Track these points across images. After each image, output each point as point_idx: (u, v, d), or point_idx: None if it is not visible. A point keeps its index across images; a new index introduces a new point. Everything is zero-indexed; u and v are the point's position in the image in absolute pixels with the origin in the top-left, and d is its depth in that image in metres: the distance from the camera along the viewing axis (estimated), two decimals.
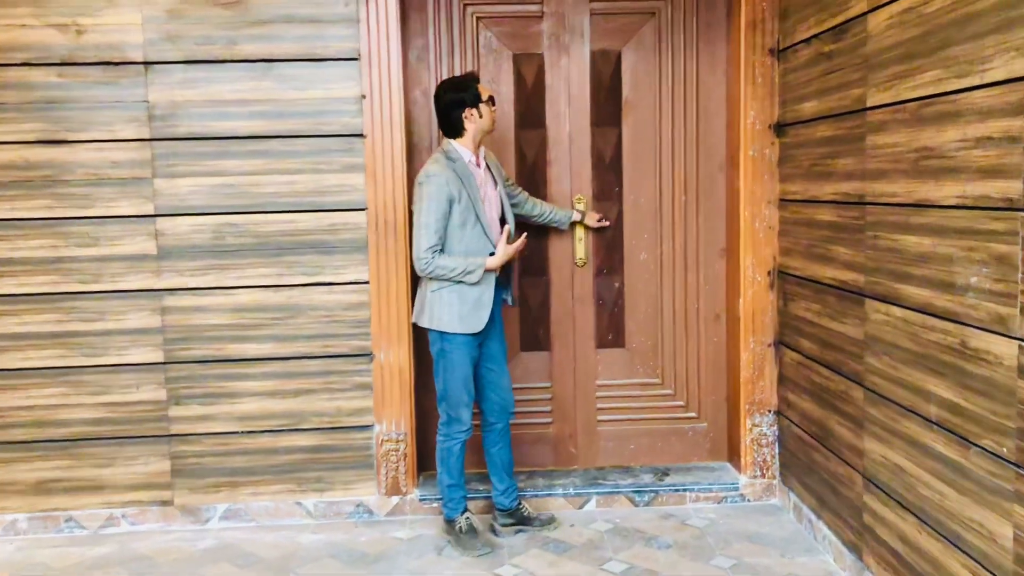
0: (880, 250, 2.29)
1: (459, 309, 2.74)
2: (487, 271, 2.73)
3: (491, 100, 2.81)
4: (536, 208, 3.07)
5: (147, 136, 2.93)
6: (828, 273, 2.64)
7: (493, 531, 2.95)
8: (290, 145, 2.98)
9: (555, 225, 3.14)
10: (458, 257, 2.71)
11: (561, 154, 3.23)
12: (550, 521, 2.98)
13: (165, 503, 3.06)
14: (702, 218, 3.33)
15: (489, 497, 3.03)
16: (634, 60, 3.25)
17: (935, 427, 2.04)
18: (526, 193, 3.09)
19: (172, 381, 3.02)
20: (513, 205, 2.96)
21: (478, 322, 2.76)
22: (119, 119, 2.92)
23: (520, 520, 2.96)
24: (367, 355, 3.06)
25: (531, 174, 3.24)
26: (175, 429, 3.04)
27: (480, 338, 2.82)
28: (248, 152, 2.97)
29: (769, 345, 3.14)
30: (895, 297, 2.22)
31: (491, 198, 2.83)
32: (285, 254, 3.01)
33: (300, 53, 2.95)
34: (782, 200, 3.05)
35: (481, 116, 2.76)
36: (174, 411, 3.03)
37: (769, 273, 3.11)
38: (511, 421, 2.95)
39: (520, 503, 2.99)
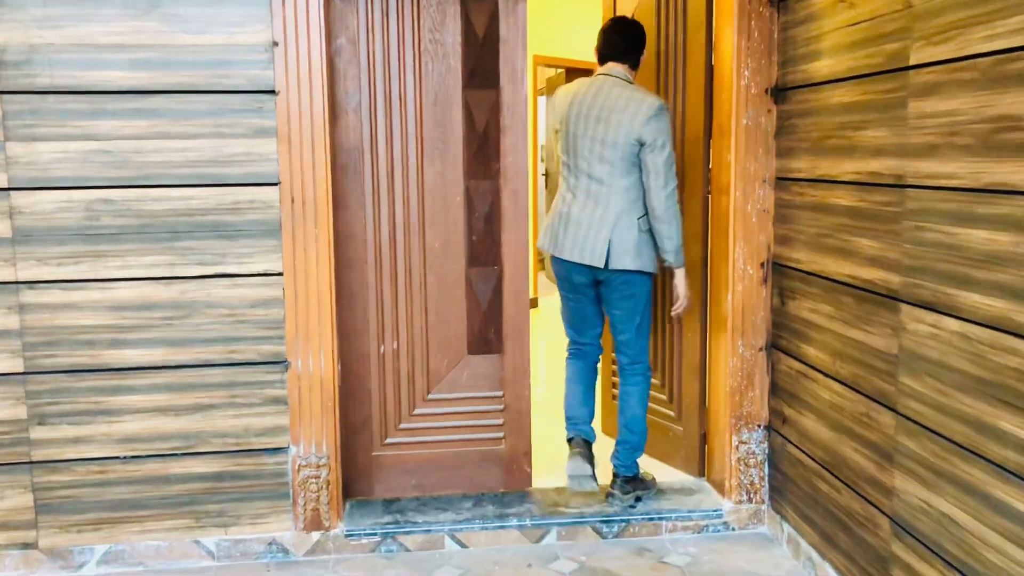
0: (926, 245, 1.82)
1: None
2: None
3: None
4: None
5: None
6: (845, 269, 2.17)
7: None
8: (183, 103, 2.39)
9: None
10: None
11: (517, 121, 2.70)
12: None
13: (27, 546, 2.47)
14: (684, 195, 2.84)
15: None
16: None
17: (1010, 476, 1.59)
18: None
19: (34, 396, 2.42)
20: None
21: None
22: None
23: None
24: (280, 362, 2.50)
25: (481, 144, 2.70)
26: (39, 455, 2.44)
27: None
28: (129, 111, 2.37)
29: (760, 349, 2.68)
30: (948, 306, 1.75)
31: None
32: (178, 238, 2.43)
33: None
34: (780, 179, 2.57)
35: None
36: (37, 433, 2.43)
37: (762, 265, 2.64)
38: None
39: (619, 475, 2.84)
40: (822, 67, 2.27)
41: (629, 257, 2.62)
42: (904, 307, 1.92)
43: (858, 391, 2.13)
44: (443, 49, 2.64)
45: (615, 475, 2.81)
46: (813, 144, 2.34)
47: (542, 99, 8.59)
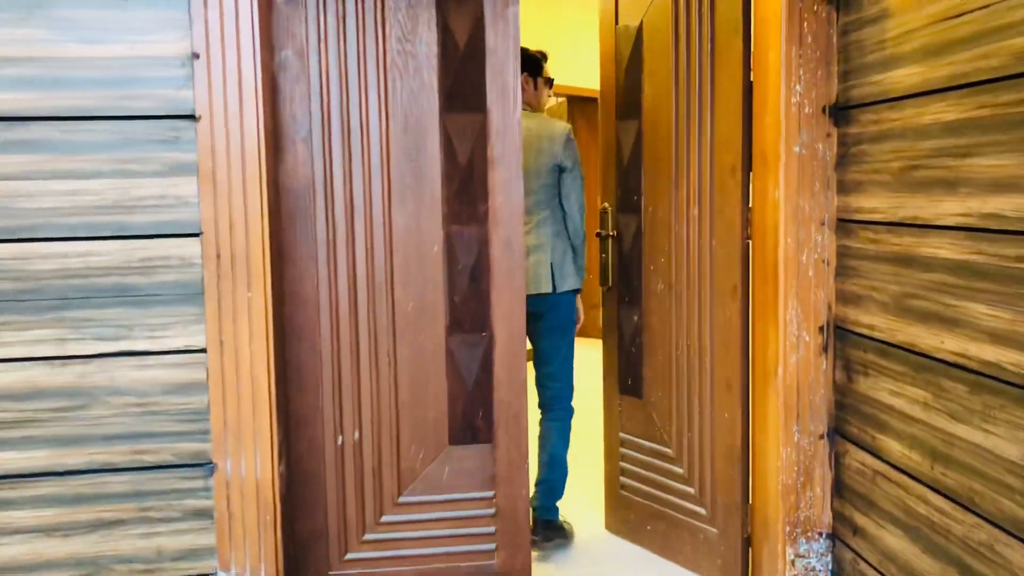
0: None
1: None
2: None
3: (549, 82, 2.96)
4: None
5: None
6: (950, 344, 1.62)
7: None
8: (75, 132, 1.85)
9: None
10: None
11: (509, 150, 2.15)
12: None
13: None
14: (714, 241, 2.30)
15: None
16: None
17: None
18: None
19: None
20: None
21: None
22: None
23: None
24: (204, 464, 1.94)
25: (464, 180, 2.15)
26: None
27: None
28: (4, 143, 1.83)
29: (821, 437, 2.11)
30: None
31: None
32: (70, 307, 1.88)
33: None
34: (843, 221, 2.02)
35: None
36: None
37: (821, 330, 2.08)
38: None
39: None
40: (905, 76, 1.73)
41: (569, 280, 2.81)
42: None
43: (974, 512, 1.56)
44: (415, 62, 2.11)
45: (535, 520, 2.80)
46: (893, 177, 1.79)
47: None
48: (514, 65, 2.13)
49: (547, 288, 2.76)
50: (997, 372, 1.49)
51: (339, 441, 2.16)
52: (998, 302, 1.48)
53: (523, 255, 2.15)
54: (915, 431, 1.75)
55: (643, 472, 2.68)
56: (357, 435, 2.17)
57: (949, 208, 1.61)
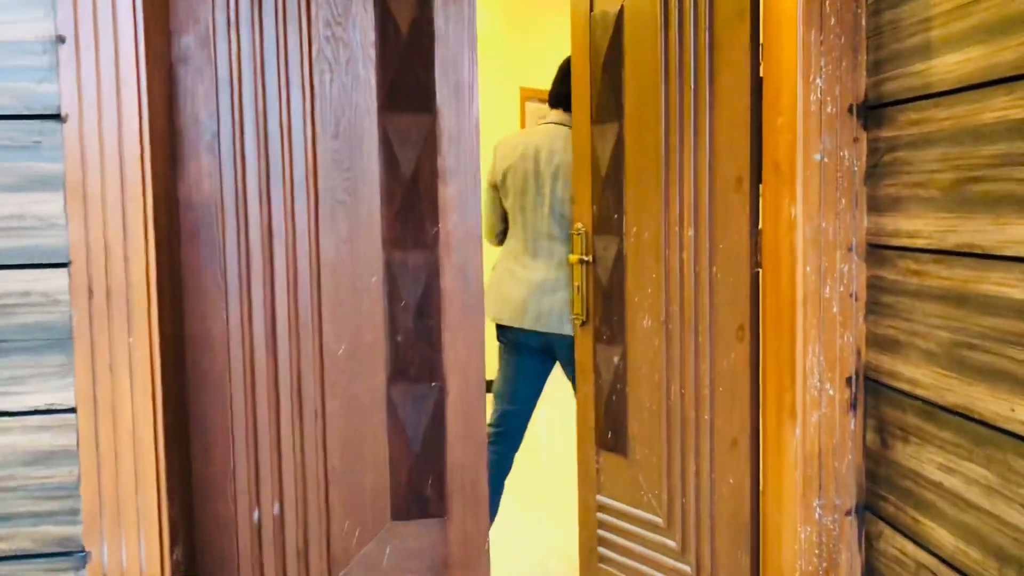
0: None
1: None
2: None
3: None
4: None
5: None
6: (1020, 413, 1.22)
7: None
8: None
9: None
10: None
11: (464, 160, 1.76)
12: None
13: None
14: (715, 269, 1.90)
15: None
16: None
17: None
18: None
19: None
20: None
21: None
22: None
23: None
24: (74, 553, 1.55)
25: (409, 195, 1.76)
26: None
27: None
28: None
29: (848, 513, 1.70)
30: None
31: None
32: None
33: None
34: (875, 247, 1.62)
35: None
36: None
37: (849, 382, 1.68)
38: None
39: None
40: (959, 63, 1.33)
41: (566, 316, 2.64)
42: None
43: None
44: (348, 53, 1.73)
45: None
46: (943, 192, 1.39)
47: None
48: (470, 56, 1.74)
49: (570, 331, 2.59)
50: None
51: (255, 516, 1.77)
52: None
53: (482, 287, 1.76)
54: (973, 520, 1.34)
55: (626, 543, 2.27)
56: (277, 508, 1.77)
57: (1022, 233, 1.21)
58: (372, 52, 1.73)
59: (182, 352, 1.71)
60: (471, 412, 1.78)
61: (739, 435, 1.93)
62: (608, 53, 2.22)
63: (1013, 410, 1.24)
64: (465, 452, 1.78)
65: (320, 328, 1.75)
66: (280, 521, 1.77)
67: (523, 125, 6.27)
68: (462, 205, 1.76)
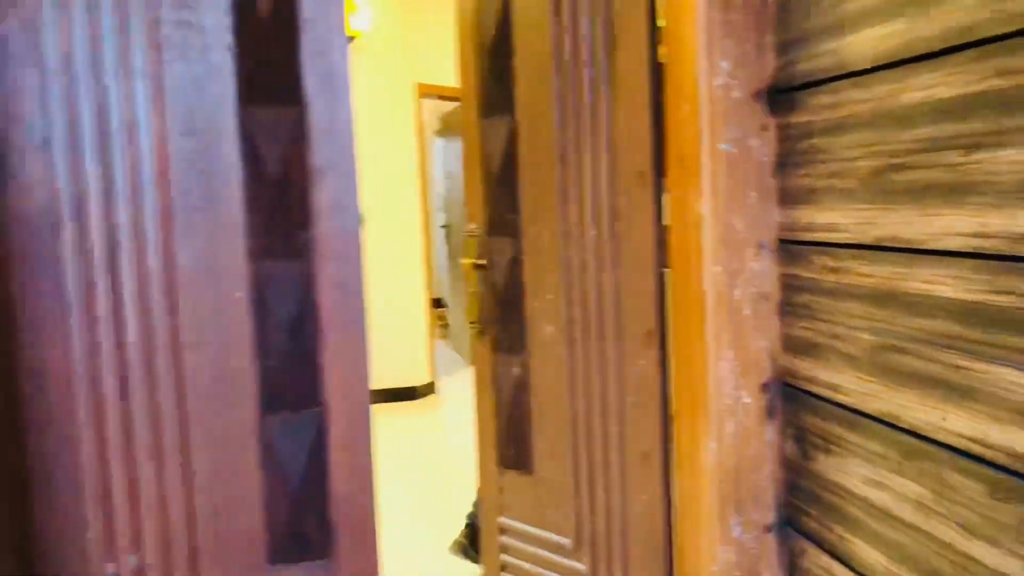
0: None
1: None
2: None
3: None
4: None
5: None
6: (956, 423, 1.11)
7: None
8: None
9: None
10: None
11: (339, 158, 1.57)
12: None
13: None
14: (619, 271, 1.76)
15: None
16: None
17: None
18: None
19: None
20: None
21: None
22: None
23: None
24: None
25: (276, 199, 1.56)
26: None
27: None
28: None
29: (768, 530, 1.58)
30: None
31: None
32: None
33: None
34: (789, 243, 1.50)
35: None
36: None
37: (765, 388, 1.56)
38: None
39: None
40: (877, 38, 1.22)
41: None
42: None
43: None
44: (200, 38, 1.51)
45: None
46: (861, 181, 1.27)
47: (440, 142, 7.55)
48: (340, 42, 1.55)
49: None
50: None
51: (109, 571, 1.54)
52: None
53: (363, 300, 1.57)
54: (905, 539, 1.23)
55: (531, 568, 2.12)
56: (135, 560, 1.55)
57: (951, 225, 1.09)
58: (229, 38, 1.52)
59: (15, 388, 1.47)
60: (357, 439, 1.59)
61: (651, 448, 1.80)
62: (496, 40, 2.06)
63: (945, 419, 1.13)
64: (351, 484, 1.59)
65: (178, 353, 1.53)
66: (140, 574, 1.55)
67: (419, 122, 6.08)
68: (340, 208, 1.57)
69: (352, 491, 1.60)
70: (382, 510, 4.01)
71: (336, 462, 1.59)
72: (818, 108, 1.38)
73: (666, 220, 1.73)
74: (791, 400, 1.52)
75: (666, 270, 1.75)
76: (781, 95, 1.48)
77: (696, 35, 1.49)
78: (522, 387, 2.09)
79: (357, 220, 1.56)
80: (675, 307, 1.69)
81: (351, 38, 5.66)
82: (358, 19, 5.67)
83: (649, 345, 1.79)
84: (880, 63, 1.21)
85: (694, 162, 1.53)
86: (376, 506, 1.60)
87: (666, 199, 1.73)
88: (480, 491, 2.25)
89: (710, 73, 1.49)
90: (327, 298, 1.57)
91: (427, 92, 6.04)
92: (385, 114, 5.84)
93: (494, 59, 2.07)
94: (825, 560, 1.45)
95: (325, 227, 1.56)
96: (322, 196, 1.56)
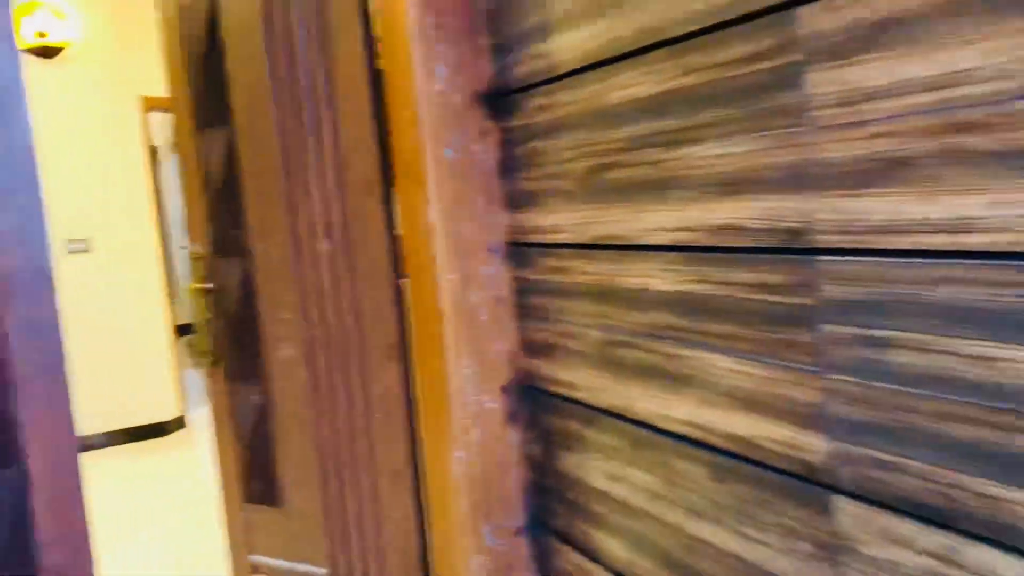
0: (875, 373, 0.82)
1: None
2: None
3: None
4: None
5: None
6: (678, 411, 1.14)
7: None
8: None
9: None
10: None
11: (19, 181, 1.38)
12: None
13: None
14: (356, 285, 1.70)
15: None
16: None
17: None
18: None
19: None
20: None
21: None
22: None
23: None
24: None
25: None
26: None
27: None
28: None
29: (518, 533, 1.58)
30: (949, 509, 0.76)
31: None
32: None
33: None
34: (519, 245, 1.50)
35: None
36: None
37: (506, 390, 1.55)
38: None
39: None
40: (581, 40, 1.24)
41: None
42: (838, 501, 0.91)
43: None
44: None
45: None
46: (578, 182, 1.29)
47: (177, 158, 7.10)
48: (9, 50, 1.37)
49: None
50: (753, 453, 1.03)
51: None
52: (745, 351, 1.01)
53: (62, 339, 1.40)
54: (642, 528, 1.26)
55: None
56: None
57: (659, 220, 1.13)
58: None
59: None
60: (67, 502, 1.41)
61: (401, 465, 1.75)
62: (207, 46, 1.93)
63: (667, 408, 1.17)
64: (64, 554, 1.40)
65: None
66: None
67: (147, 138, 5.68)
68: (22, 240, 1.38)
69: (65, 560, 1.41)
70: (137, 564, 3.69)
71: (45, 531, 1.40)
72: (535, 111, 1.39)
73: (399, 229, 1.69)
74: (533, 401, 1.53)
75: (404, 280, 1.71)
76: (501, 99, 1.48)
77: (409, 42, 1.45)
78: (263, 416, 1.97)
79: (46, 251, 1.39)
80: (414, 317, 1.65)
81: (57, 49, 5.16)
82: (66, 28, 5.17)
83: (392, 359, 1.74)
84: (587, 64, 1.23)
85: (419, 169, 1.50)
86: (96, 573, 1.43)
87: (397, 208, 1.69)
88: (226, 532, 2.09)
89: (427, 79, 1.47)
90: (17, 340, 1.38)
91: (154, 105, 5.64)
92: (106, 130, 5.38)
93: (206, 68, 1.93)
94: (575, 557, 1.46)
95: (7, 263, 1.37)
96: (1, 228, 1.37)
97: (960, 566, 0.80)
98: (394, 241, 1.71)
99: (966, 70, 0.73)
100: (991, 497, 0.76)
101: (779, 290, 0.95)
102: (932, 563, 0.82)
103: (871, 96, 0.81)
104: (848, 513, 0.90)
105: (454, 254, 1.50)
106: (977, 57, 0.73)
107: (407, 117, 1.52)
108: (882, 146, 0.81)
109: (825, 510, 0.93)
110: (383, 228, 1.70)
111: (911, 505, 0.83)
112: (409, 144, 1.52)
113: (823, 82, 0.86)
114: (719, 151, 1.00)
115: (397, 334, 1.73)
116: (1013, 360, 0.73)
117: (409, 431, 1.75)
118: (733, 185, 0.99)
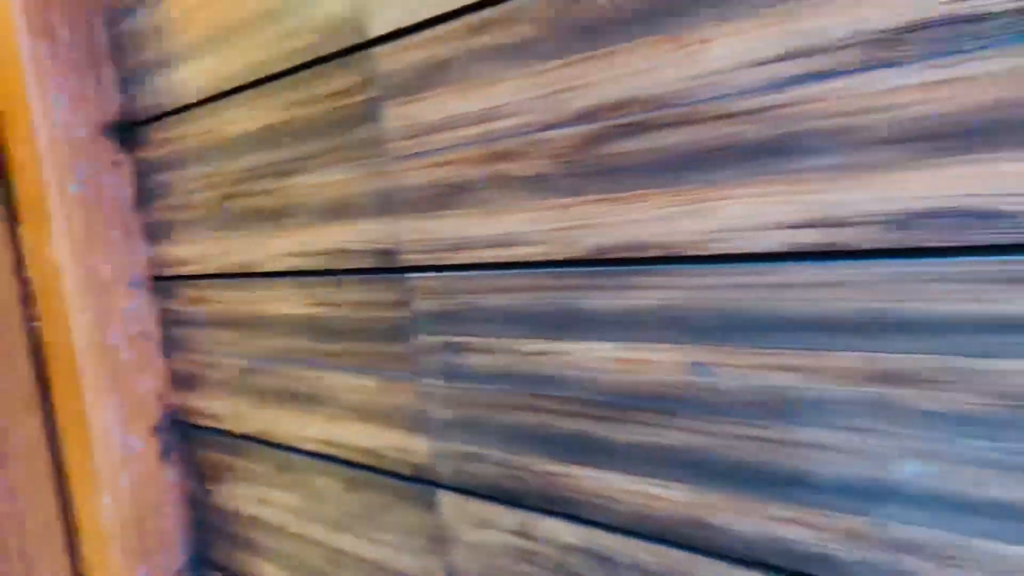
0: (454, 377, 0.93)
1: None
2: None
3: None
4: None
5: None
6: (312, 430, 1.19)
7: None
8: None
9: None
10: None
11: None
12: None
13: None
14: None
15: None
16: None
17: None
18: None
19: None
20: None
21: None
22: None
23: None
24: None
25: None
26: None
27: None
28: None
29: (179, 573, 1.54)
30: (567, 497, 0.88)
31: None
32: None
33: None
34: (159, 279, 1.47)
35: None
36: None
37: (156, 430, 1.51)
38: None
39: None
40: (197, 73, 1.25)
41: None
42: (441, 495, 1.00)
43: None
44: None
45: None
46: (209, 212, 1.30)
47: None
48: None
49: None
50: (379, 462, 1.09)
51: None
52: (360, 366, 1.08)
53: None
54: (291, 548, 1.29)
55: None
56: None
57: (281, 246, 1.17)
58: None
59: None
60: None
61: (50, 518, 1.64)
62: None
63: (304, 429, 1.21)
64: None
65: None
66: None
67: None
68: None
69: None
70: None
71: None
72: (162, 143, 1.37)
73: (25, 272, 1.59)
74: (185, 437, 1.50)
75: (38, 324, 1.61)
76: (131, 130, 1.45)
77: (22, 74, 1.39)
78: None
79: None
80: (51, 362, 1.56)
81: None
82: None
83: (30, 408, 1.63)
84: (203, 97, 1.24)
85: (43, 206, 1.43)
86: None
87: (25, 247, 1.59)
88: None
89: (46, 112, 1.40)
90: None
91: None
92: None
93: None
94: None
95: None
96: None
97: (533, 538, 0.90)
98: (24, 284, 1.60)
99: (497, 107, 0.85)
100: (550, 474, 0.88)
101: (381, 307, 1.03)
102: (512, 539, 0.92)
103: (432, 129, 0.91)
104: (449, 505, 0.99)
105: (88, 292, 1.44)
106: (506, 94, 0.84)
107: (27, 153, 1.44)
108: (445, 173, 0.91)
109: (431, 506, 1.01)
110: (11, 270, 1.59)
111: (494, 490, 0.93)
112: (31, 180, 1.44)
113: (396, 116, 0.95)
114: (321, 180, 1.06)
115: (35, 383, 1.62)
116: (558, 353, 0.85)
117: (57, 482, 1.64)
118: (335, 211, 1.05)
